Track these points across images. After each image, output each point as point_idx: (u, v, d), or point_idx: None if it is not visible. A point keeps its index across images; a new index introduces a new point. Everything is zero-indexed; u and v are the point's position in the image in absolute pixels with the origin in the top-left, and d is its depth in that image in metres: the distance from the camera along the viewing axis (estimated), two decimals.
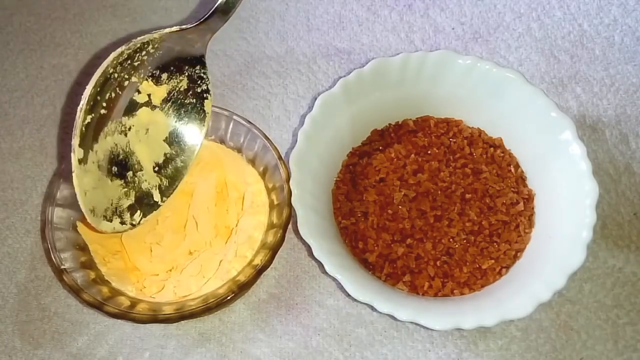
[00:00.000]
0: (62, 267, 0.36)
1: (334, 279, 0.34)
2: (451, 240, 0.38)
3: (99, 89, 0.30)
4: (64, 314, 0.40)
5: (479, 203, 0.38)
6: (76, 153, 0.30)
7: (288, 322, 0.39)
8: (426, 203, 0.38)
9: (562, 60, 0.47)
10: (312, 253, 0.34)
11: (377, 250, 0.37)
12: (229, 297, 0.35)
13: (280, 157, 0.38)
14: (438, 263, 0.37)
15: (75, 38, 0.50)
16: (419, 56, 0.39)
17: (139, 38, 0.31)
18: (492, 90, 0.39)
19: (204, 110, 0.33)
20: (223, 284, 0.37)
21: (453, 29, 0.48)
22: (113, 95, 0.31)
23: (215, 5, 0.33)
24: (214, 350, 0.38)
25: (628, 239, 0.40)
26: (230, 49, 0.49)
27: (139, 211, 0.34)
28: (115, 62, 0.31)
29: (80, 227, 0.39)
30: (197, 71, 0.32)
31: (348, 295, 0.34)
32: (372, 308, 0.34)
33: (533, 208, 0.39)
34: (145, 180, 0.33)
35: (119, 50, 0.31)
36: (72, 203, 0.39)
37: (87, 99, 0.30)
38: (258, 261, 0.36)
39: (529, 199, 0.39)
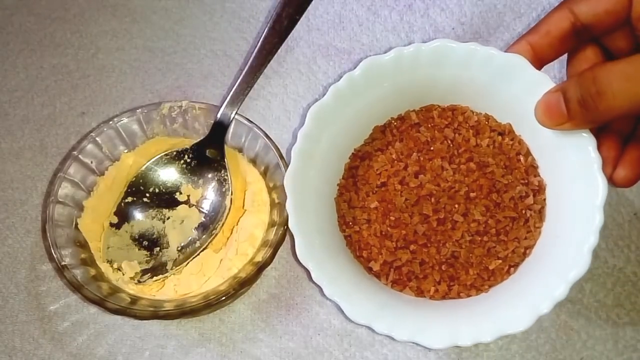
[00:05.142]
0: (63, 263, 0.36)
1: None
2: (455, 243, 0.36)
3: (141, 180, 0.40)
4: (63, 314, 0.40)
5: (485, 201, 0.37)
6: (110, 218, 0.40)
7: (288, 322, 0.39)
8: (428, 207, 0.37)
9: (562, 59, 0.47)
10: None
11: (382, 258, 0.36)
12: (230, 293, 0.35)
13: (281, 156, 0.39)
14: (443, 267, 0.36)
15: (75, 38, 0.50)
16: (412, 52, 0.37)
17: (175, 148, 0.41)
18: (497, 74, 0.36)
19: (225, 205, 0.39)
20: (224, 281, 0.37)
21: (453, 29, 0.48)
22: (157, 190, 0.40)
23: (214, 121, 0.40)
24: (214, 350, 0.38)
25: (628, 239, 0.40)
26: (230, 49, 0.49)
27: (149, 274, 0.38)
28: (156, 162, 0.41)
29: (81, 224, 0.39)
30: (222, 174, 0.40)
31: None
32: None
33: (544, 200, 0.36)
34: (167, 255, 0.39)
35: (160, 155, 0.41)
36: (72, 201, 0.39)
37: (128, 184, 0.40)
38: (259, 258, 0.36)
39: (539, 190, 0.37)
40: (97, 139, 0.40)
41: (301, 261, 0.33)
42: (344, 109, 0.38)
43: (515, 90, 0.36)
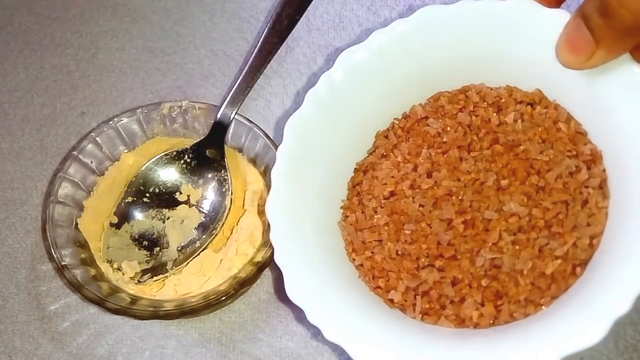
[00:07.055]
0: (63, 263, 0.36)
1: None
2: (493, 247, 0.28)
3: (141, 180, 0.40)
4: (63, 314, 0.40)
5: (523, 187, 0.29)
6: (110, 218, 0.40)
7: (288, 322, 0.39)
8: (449, 208, 0.30)
9: None
10: None
11: (403, 285, 0.29)
12: (230, 293, 0.35)
13: None
14: (483, 282, 0.28)
15: (75, 38, 0.50)
16: (394, 34, 0.31)
17: (175, 148, 0.41)
18: (505, 31, 0.30)
19: (225, 205, 0.39)
20: (224, 281, 0.37)
21: None
22: (157, 190, 0.40)
23: (214, 121, 0.39)
24: (214, 350, 0.38)
25: None
26: (230, 49, 0.49)
27: (149, 274, 0.38)
28: (156, 162, 0.40)
29: (81, 224, 0.39)
30: (222, 174, 0.40)
31: None
32: None
33: (603, 171, 0.28)
34: (167, 255, 0.39)
35: (160, 155, 0.40)
36: (72, 201, 0.39)
37: (128, 184, 0.40)
38: (259, 258, 0.36)
39: (593, 159, 0.29)
40: (97, 139, 0.40)
41: (292, 300, 0.29)
42: (332, 119, 0.32)
43: (532, 45, 0.29)
